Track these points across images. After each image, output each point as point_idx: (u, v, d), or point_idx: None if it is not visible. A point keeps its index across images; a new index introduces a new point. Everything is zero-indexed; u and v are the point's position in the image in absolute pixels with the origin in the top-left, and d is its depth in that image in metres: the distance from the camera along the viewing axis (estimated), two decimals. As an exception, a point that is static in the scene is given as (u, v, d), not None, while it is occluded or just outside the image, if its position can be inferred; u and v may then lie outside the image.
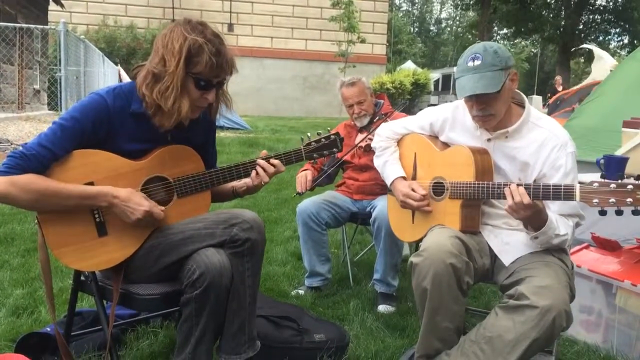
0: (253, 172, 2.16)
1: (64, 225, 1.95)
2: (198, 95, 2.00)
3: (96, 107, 1.98)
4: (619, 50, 31.55)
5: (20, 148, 1.90)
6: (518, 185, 1.96)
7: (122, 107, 2.01)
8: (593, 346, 2.67)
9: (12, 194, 1.83)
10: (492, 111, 2.14)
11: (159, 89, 1.95)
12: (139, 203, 1.97)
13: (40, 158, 1.88)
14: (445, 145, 2.41)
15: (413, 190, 2.37)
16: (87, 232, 1.98)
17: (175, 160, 2.09)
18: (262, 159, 2.17)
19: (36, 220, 1.96)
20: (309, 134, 2.29)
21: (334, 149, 2.29)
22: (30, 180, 1.85)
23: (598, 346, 2.66)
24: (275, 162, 2.17)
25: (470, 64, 2.10)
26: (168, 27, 2.00)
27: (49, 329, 2.48)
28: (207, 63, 1.93)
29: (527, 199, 1.92)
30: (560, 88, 16.83)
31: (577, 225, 2.16)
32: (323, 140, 2.27)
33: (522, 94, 2.29)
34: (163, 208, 2.04)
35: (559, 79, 18.75)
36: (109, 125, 1.99)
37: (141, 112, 2.02)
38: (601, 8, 28.91)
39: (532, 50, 49.48)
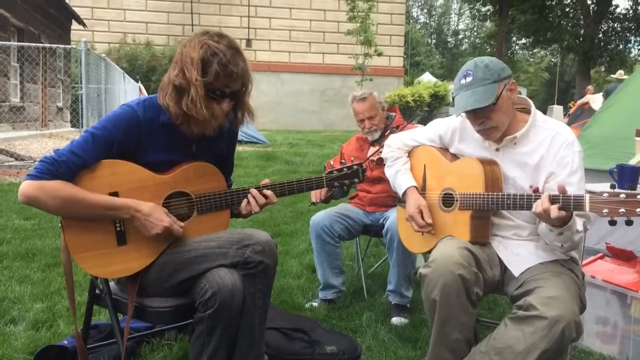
0: (244, 201, 2.19)
1: (86, 231, 2.01)
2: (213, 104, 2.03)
3: (127, 118, 2.04)
4: (640, 58, 31.19)
5: (52, 154, 1.97)
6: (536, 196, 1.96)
7: (152, 118, 2.07)
8: (609, 357, 2.64)
9: (40, 199, 1.90)
10: (492, 124, 2.15)
11: (187, 101, 1.98)
12: (160, 219, 2.01)
13: (70, 165, 1.94)
14: (455, 157, 2.41)
15: (421, 213, 2.38)
16: (107, 241, 2.03)
17: (199, 177, 2.14)
18: (256, 188, 2.20)
19: (60, 224, 2.02)
20: (331, 161, 2.34)
21: (355, 179, 2.34)
22: (59, 187, 1.91)
23: (614, 357, 2.63)
24: (268, 192, 2.21)
25: (463, 81, 2.14)
26: (188, 39, 2.05)
27: (66, 342, 2.53)
28: (216, 72, 1.96)
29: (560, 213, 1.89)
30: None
31: (585, 227, 2.10)
32: (345, 169, 2.32)
33: (528, 99, 2.31)
34: (182, 224, 2.08)
35: (590, 88, 18.50)
36: (139, 136, 2.05)
37: (170, 123, 2.07)
38: (621, 16, 28.60)
39: (552, 59, 49.15)
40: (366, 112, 3.44)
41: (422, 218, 2.36)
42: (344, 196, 3.66)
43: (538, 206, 1.93)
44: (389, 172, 2.66)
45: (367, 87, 3.56)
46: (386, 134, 3.47)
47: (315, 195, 3.34)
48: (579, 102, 13.45)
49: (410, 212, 2.40)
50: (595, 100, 12.06)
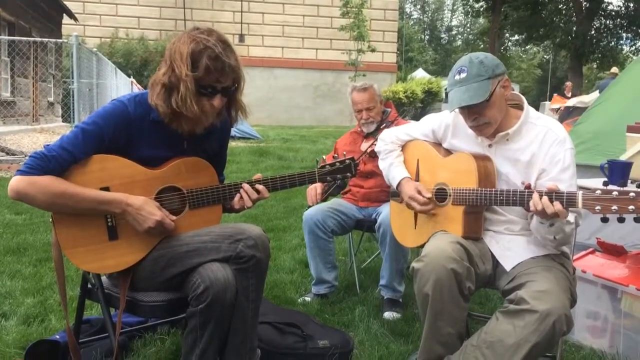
0: (237, 196, 2.18)
1: (77, 226, 2.00)
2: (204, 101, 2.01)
3: (118, 113, 2.02)
4: (632, 55, 31.27)
5: (42, 149, 1.96)
6: (527, 191, 1.97)
7: (142, 114, 2.05)
8: (599, 351, 2.66)
9: (30, 194, 1.89)
10: (485, 120, 2.16)
11: (176, 98, 1.96)
12: (151, 212, 2.01)
13: (60, 160, 1.93)
14: (448, 152, 2.42)
15: (419, 192, 2.37)
16: (99, 235, 2.03)
17: (191, 172, 2.13)
18: (248, 183, 2.18)
19: (51, 219, 2.01)
20: (324, 156, 2.33)
21: (348, 174, 2.31)
22: (49, 183, 1.90)
23: (604, 351, 2.65)
24: (260, 187, 2.19)
25: (457, 77, 2.14)
26: (177, 35, 2.03)
27: (57, 337, 2.52)
28: (206, 67, 1.93)
29: (559, 208, 1.89)
30: (569, 94, 16.66)
31: (576, 221, 2.09)
32: (337, 164, 2.30)
33: (520, 95, 2.31)
34: (174, 218, 2.08)
35: (569, 84, 18.56)
36: (129, 132, 2.03)
37: (160, 120, 2.05)
38: (613, 13, 28.70)
39: (545, 56, 49.31)
40: (365, 102, 3.45)
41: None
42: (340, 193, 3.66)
43: (547, 209, 1.89)
44: (382, 164, 2.65)
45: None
46: (381, 127, 3.47)
47: (311, 198, 3.34)
48: (567, 103, 13.43)
49: (409, 194, 2.39)
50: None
